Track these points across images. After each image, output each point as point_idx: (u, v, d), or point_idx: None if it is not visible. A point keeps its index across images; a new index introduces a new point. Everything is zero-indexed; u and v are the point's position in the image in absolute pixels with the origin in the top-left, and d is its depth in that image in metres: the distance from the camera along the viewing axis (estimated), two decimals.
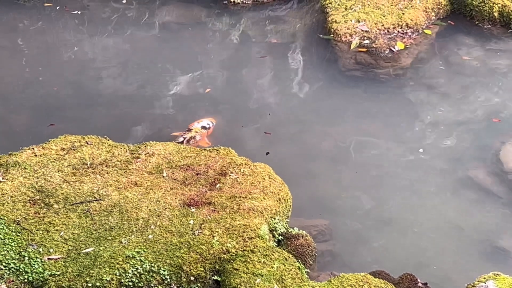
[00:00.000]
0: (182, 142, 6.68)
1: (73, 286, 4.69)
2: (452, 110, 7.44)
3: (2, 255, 4.82)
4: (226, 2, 9.83)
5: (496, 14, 8.81)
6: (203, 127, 7.05)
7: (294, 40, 8.97)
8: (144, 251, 4.87)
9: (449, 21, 9.02)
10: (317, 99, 7.75)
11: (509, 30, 8.76)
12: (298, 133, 7.16)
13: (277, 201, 5.43)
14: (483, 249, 5.76)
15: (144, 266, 4.78)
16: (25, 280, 4.73)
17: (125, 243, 4.94)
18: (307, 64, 8.45)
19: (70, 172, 5.59)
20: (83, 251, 4.90)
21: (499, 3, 8.82)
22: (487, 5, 8.85)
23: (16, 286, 4.70)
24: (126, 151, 5.89)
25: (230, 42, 9.05)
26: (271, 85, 8.01)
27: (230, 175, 5.60)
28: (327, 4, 9.02)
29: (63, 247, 4.93)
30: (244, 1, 9.84)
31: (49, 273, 4.75)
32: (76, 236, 5.02)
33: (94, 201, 5.30)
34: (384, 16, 8.60)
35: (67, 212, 5.20)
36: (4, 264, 4.78)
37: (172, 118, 7.42)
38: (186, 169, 5.68)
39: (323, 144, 6.98)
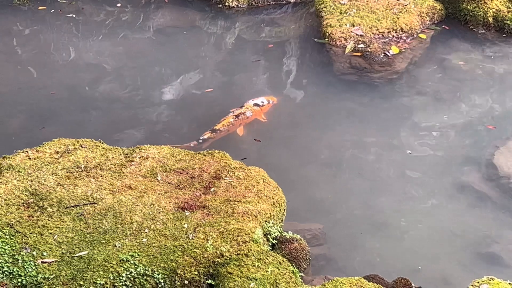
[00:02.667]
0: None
1: None
2: (447, 114, 7.45)
3: None
4: (221, 5, 9.84)
5: (490, 19, 8.83)
6: (256, 105, 7.42)
7: (288, 44, 8.98)
8: (138, 255, 4.86)
9: (443, 26, 9.04)
10: (312, 103, 7.75)
11: (503, 35, 8.78)
12: (293, 137, 7.16)
13: (272, 205, 5.43)
14: (477, 253, 5.76)
15: (138, 269, 4.77)
16: (19, 284, 4.71)
17: (119, 246, 4.93)
18: (302, 68, 8.46)
19: (64, 175, 5.58)
20: (77, 255, 4.89)
21: (494, 8, 8.84)
22: (481, 10, 8.88)
23: None
24: (121, 154, 5.88)
25: (225, 45, 9.05)
26: (266, 88, 8.01)
27: (224, 179, 5.59)
28: (322, 8, 9.03)
29: (57, 250, 4.91)
30: (239, 5, 9.84)
31: (43, 276, 4.73)
32: (70, 239, 5.01)
33: (88, 205, 5.29)
34: (378, 21, 8.61)
35: (61, 215, 5.19)
36: None
37: (166, 121, 7.42)
38: (181, 173, 5.67)
39: (318, 148, 6.98)
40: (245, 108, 7.34)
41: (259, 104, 7.45)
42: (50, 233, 5.03)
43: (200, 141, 6.89)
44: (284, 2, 9.97)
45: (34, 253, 4.88)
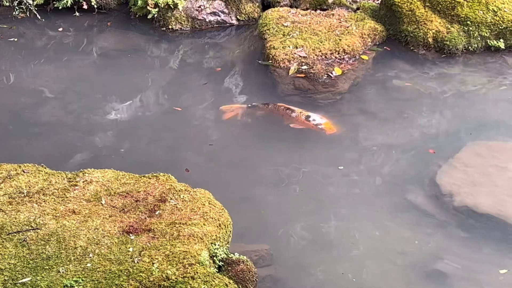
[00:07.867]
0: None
1: None
2: (389, 134, 7.54)
3: None
4: (164, 28, 9.84)
5: (430, 40, 9.00)
6: (307, 116, 7.59)
7: (233, 66, 9.01)
8: (83, 280, 4.80)
9: (385, 47, 9.18)
10: (257, 124, 7.77)
11: (443, 55, 8.96)
12: (239, 158, 7.17)
13: (218, 226, 5.41)
14: (423, 271, 5.81)
15: None
16: None
17: (63, 272, 4.86)
18: (247, 90, 8.49)
19: (6, 201, 5.49)
20: (20, 281, 4.80)
21: (433, 29, 9.01)
22: (421, 31, 9.04)
23: None
24: (64, 179, 5.81)
25: (169, 68, 9.05)
26: (212, 112, 8.01)
27: (169, 202, 5.57)
28: (265, 31, 9.10)
29: None
30: (183, 28, 9.86)
31: None
32: (13, 266, 4.92)
33: (31, 230, 5.20)
34: (321, 42, 8.70)
35: (3, 242, 5.09)
36: None
37: (110, 144, 7.36)
38: (125, 196, 5.62)
39: (263, 170, 6.99)
40: (299, 110, 7.65)
41: (309, 116, 7.57)
42: None
43: (250, 106, 7.91)
44: (228, 25, 10.02)
45: None
